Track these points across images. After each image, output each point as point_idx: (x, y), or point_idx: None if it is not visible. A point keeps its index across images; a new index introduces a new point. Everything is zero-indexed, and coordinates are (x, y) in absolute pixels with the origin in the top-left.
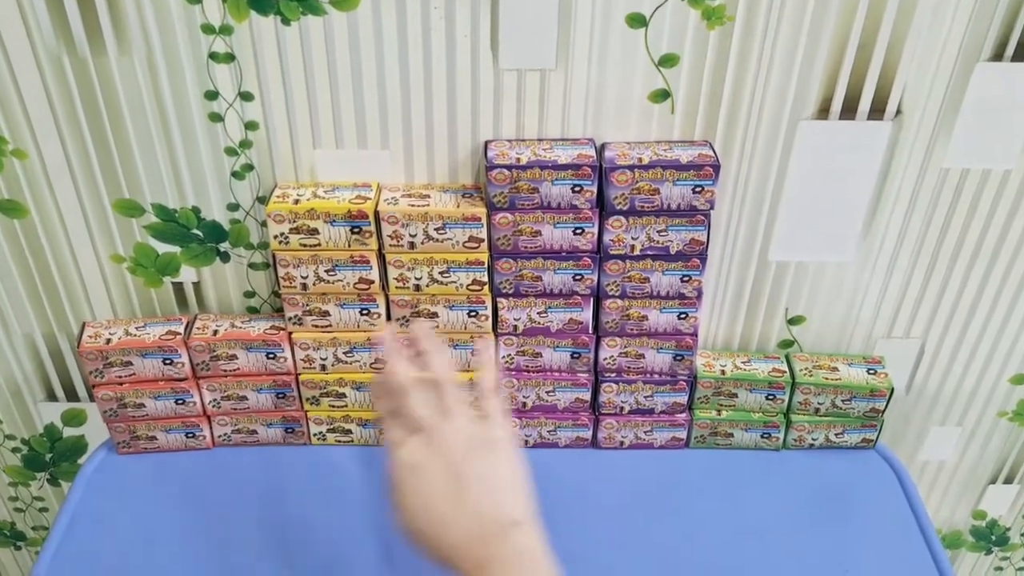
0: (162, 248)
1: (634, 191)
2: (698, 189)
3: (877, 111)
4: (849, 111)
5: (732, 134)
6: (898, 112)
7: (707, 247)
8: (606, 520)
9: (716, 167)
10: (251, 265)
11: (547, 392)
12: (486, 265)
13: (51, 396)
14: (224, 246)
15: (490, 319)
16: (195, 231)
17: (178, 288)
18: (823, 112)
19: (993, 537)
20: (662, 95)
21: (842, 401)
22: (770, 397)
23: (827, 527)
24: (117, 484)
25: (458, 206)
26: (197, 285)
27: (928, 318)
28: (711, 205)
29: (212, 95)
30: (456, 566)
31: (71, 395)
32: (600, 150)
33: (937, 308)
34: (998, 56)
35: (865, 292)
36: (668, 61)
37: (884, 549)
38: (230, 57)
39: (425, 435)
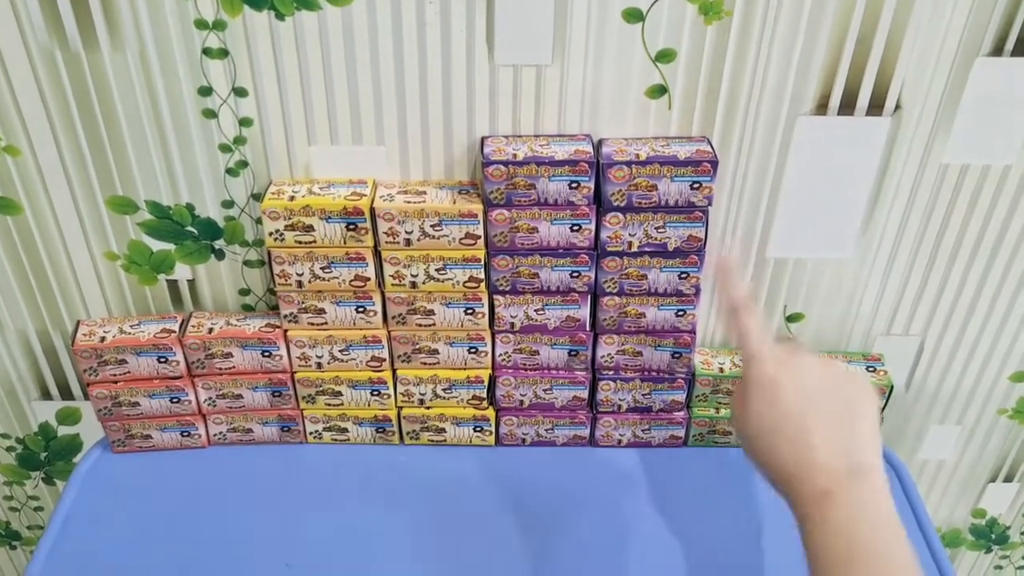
0: (156, 246)
1: (631, 187)
2: (696, 185)
3: (876, 106)
4: (848, 106)
5: (730, 130)
6: (897, 107)
7: (705, 243)
8: (604, 519)
9: (714, 163)
10: (246, 263)
11: (544, 390)
12: (483, 262)
13: (45, 394)
14: (219, 243)
15: (487, 316)
16: (189, 228)
17: (173, 286)
18: (821, 108)
19: (993, 536)
20: (659, 91)
21: None
22: None
23: None
24: (112, 483)
25: (454, 202)
26: (192, 283)
27: (927, 315)
28: (709, 201)
29: (206, 91)
30: (792, 486)
31: (65, 393)
32: (597, 146)
33: (936, 305)
34: (998, 51)
35: (864, 289)
36: (665, 56)
37: None
38: (224, 53)
39: (790, 350)
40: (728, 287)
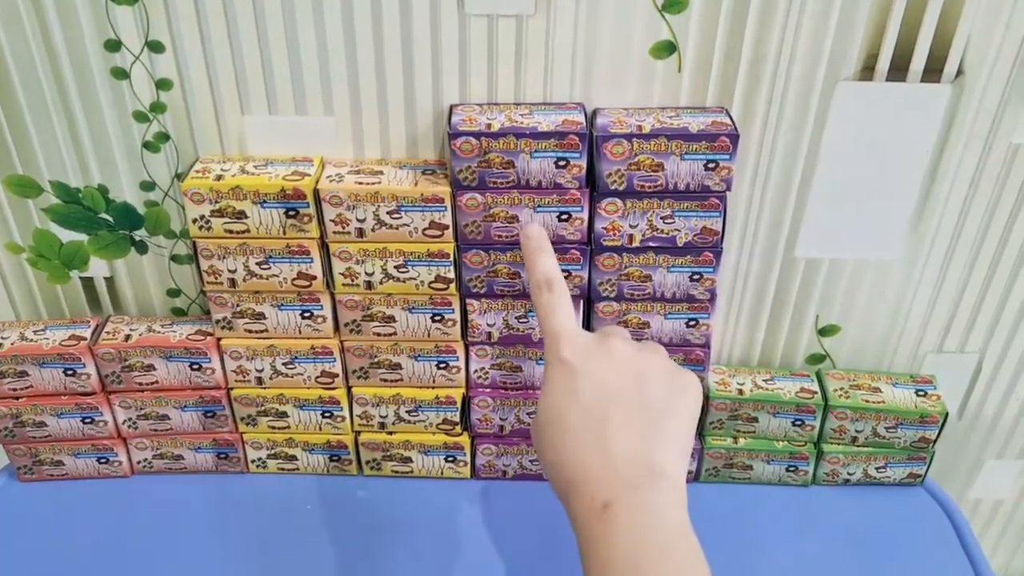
0: (66, 236)
1: (632, 167)
2: (712, 165)
3: (933, 71)
4: (899, 70)
5: (753, 98)
6: (959, 72)
7: (722, 238)
8: None
9: (734, 138)
10: (174, 257)
11: (528, 414)
12: (452, 258)
13: None
14: (140, 234)
15: (458, 324)
16: (104, 215)
17: (89, 284)
18: (867, 71)
19: None
20: (667, 48)
21: (885, 429)
22: (797, 423)
23: None
24: (17, 517)
25: (416, 184)
26: (110, 281)
27: (988, 329)
28: (727, 185)
29: (114, 45)
30: (571, 498)
31: None
32: (591, 116)
33: (999, 317)
34: None
35: (913, 297)
36: (674, 5)
37: None
38: None
39: (600, 340)
40: (538, 262)
